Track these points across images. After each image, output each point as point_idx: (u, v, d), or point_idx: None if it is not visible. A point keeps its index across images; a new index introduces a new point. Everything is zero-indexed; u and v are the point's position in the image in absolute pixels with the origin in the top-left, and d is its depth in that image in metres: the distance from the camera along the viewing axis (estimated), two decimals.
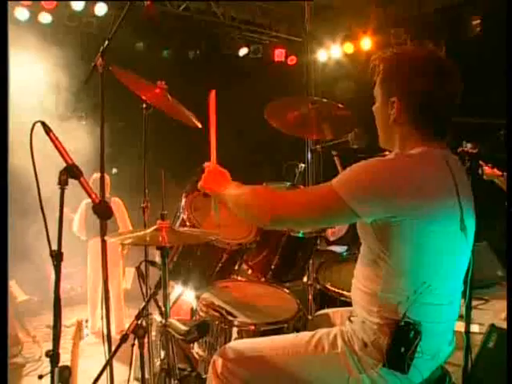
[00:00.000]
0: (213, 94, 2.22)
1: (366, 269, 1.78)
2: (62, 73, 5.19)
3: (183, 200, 2.65)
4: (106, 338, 2.82)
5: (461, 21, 5.82)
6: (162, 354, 2.41)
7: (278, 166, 3.04)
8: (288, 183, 3.02)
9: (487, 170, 2.89)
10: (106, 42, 2.70)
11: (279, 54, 7.24)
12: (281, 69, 7.32)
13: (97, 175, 4.65)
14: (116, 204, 4.98)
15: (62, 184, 1.89)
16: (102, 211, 1.93)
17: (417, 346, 1.68)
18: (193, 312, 2.44)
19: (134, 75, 2.54)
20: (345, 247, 4.95)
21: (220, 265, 2.64)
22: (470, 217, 1.73)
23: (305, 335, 1.92)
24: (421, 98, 1.69)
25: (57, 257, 1.89)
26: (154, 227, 2.10)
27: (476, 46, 5.44)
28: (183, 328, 2.05)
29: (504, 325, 2.94)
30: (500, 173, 3.13)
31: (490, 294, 3.26)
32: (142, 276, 2.54)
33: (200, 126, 2.54)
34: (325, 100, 3.08)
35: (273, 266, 2.88)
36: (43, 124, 1.89)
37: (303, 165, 3.02)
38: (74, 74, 5.17)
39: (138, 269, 2.52)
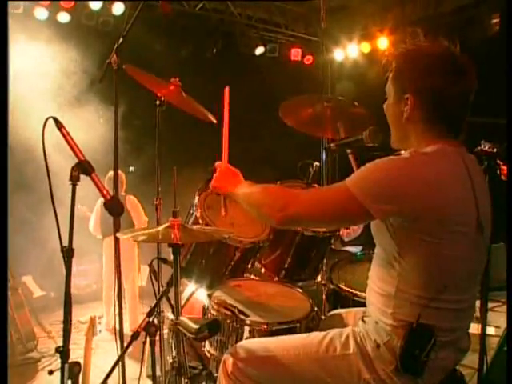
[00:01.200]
0: (227, 90, 2.20)
1: (380, 270, 1.75)
2: (78, 70, 5.22)
3: (196, 198, 2.63)
4: (118, 334, 2.82)
5: (479, 20, 5.73)
6: (174, 352, 2.41)
7: (292, 165, 3.00)
8: (302, 182, 2.98)
9: (505, 170, 2.82)
10: (121, 40, 2.70)
11: (295, 54, 7.21)
12: (297, 68, 7.30)
13: (112, 173, 4.70)
14: (131, 202, 4.99)
15: (74, 180, 1.88)
16: (113, 207, 1.92)
17: (431, 350, 1.65)
18: (205, 310, 2.41)
19: (148, 73, 2.53)
20: (360, 248, 4.90)
21: (232, 263, 2.61)
22: (486, 217, 1.69)
23: (317, 335, 1.89)
24: (435, 95, 1.65)
25: (67, 253, 1.89)
26: (166, 224, 2.09)
27: (494, 44, 5.35)
28: (194, 326, 2.02)
29: None
30: None
31: (500, 297, 3.19)
32: (154, 273, 2.53)
33: (215, 121, 2.52)
34: (340, 98, 3.04)
35: (286, 265, 2.84)
36: (55, 120, 1.88)
37: (317, 163, 2.97)
38: (90, 72, 5.19)
39: (150, 266, 2.51)
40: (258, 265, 2.89)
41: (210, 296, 2.40)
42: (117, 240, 2.72)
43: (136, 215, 4.94)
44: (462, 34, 5.77)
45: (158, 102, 2.60)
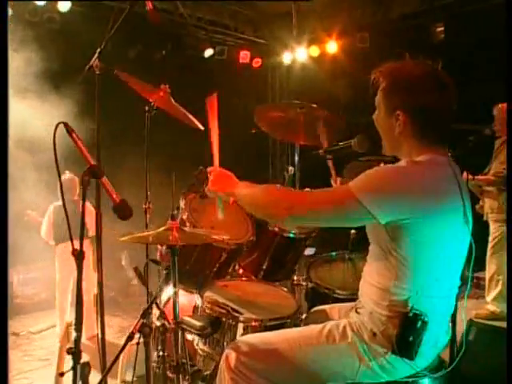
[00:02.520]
0: (214, 97, 2.38)
1: (378, 265, 1.99)
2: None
3: (182, 201, 2.81)
4: (100, 341, 2.92)
5: (424, 27, 6.21)
6: (154, 354, 2.57)
7: (264, 170, 3.24)
8: (278, 186, 3.22)
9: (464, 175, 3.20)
10: (104, 43, 2.82)
11: (244, 56, 7.43)
12: (245, 71, 7.52)
13: (69, 175, 4.74)
14: (88, 208, 5.00)
15: (85, 186, 1.99)
16: (122, 211, 2.04)
17: (423, 335, 1.92)
18: (196, 310, 2.59)
19: (137, 79, 2.69)
20: (313, 249, 5.21)
21: (218, 265, 2.83)
22: (470, 211, 1.99)
23: (314, 327, 2.11)
24: (425, 112, 1.91)
25: (79, 256, 2.00)
26: (165, 227, 2.26)
27: (441, 50, 5.85)
28: (198, 323, 2.22)
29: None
30: (471, 177, 3.44)
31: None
32: (140, 276, 2.68)
33: (202, 127, 2.71)
34: (313, 105, 3.30)
35: (264, 267, 3.09)
36: (65, 125, 2.00)
37: (292, 168, 3.22)
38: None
39: (136, 270, 2.65)
40: (237, 266, 3.11)
41: (201, 296, 2.58)
42: (99, 242, 2.84)
43: (90, 222, 4.98)
44: (410, 39, 6.25)
45: (146, 108, 2.75)
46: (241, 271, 3.12)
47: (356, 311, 2.11)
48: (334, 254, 3.31)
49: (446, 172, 1.93)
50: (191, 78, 6.89)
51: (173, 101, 2.77)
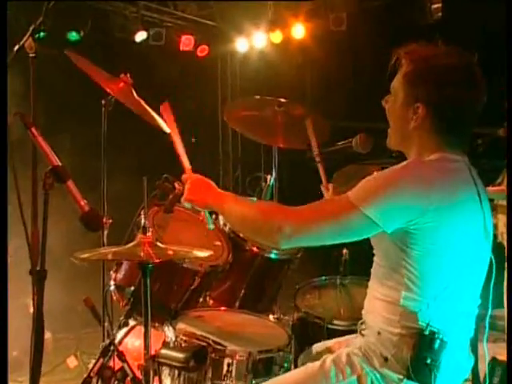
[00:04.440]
0: (165, 106, 2.70)
1: (385, 277, 2.30)
2: None
3: (144, 216, 3.08)
4: None
5: (420, 4, 6.41)
6: None
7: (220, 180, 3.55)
8: (254, 199, 3.54)
9: None
10: (40, 21, 3.00)
11: (186, 42, 7.52)
12: (189, 60, 7.69)
13: None
14: None
15: (47, 188, 2.20)
16: (91, 222, 2.29)
17: (441, 357, 2.18)
18: (166, 345, 2.86)
19: (94, 65, 2.95)
20: None
21: (188, 293, 3.14)
22: (490, 223, 2.32)
23: (313, 366, 2.36)
24: (449, 108, 2.21)
25: (39, 275, 2.23)
26: (135, 242, 2.52)
27: (438, 29, 6.10)
28: (181, 355, 2.51)
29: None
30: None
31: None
32: (93, 309, 2.93)
33: (168, 130, 2.97)
34: (291, 102, 3.64)
35: (240, 295, 3.42)
36: (22, 116, 2.22)
37: (270, 177, 3.55)
38: None
39: (86, 301, 2.90)
40: (206, 298, 3.40)
41: (173, 328, 2.86)
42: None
43: None
44: (399, 20, 6.52)
45: (103, 102, 3.02)
46: (211, 303, 3.42)
47: (360, 333, 2.40)
48: (323, 278, 3.64)
49: (462, 174, 2.24)
50: (118, 69, 7.04)
51: (135, 94, 3.05)
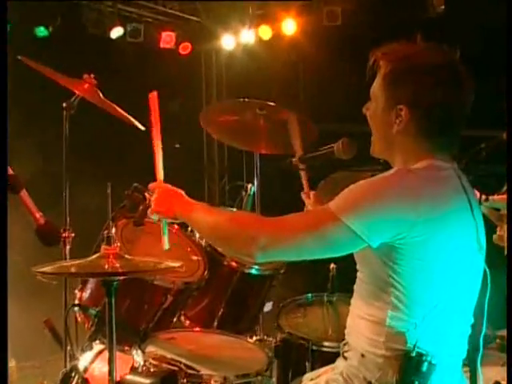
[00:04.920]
0: (154, 95, 2.70)
1: (370, 295, 2.31)
2: None
3: (111, 229, 3.12)
4: None
5: None
6: None
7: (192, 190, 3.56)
8: (234, 209, 3.57)
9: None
10: None
11: (167, 39, 7.47)
12: (170, 59, 7.64)
13: None
14: None
15: None
16: (47, 235, 2.33)
17: (430, 381, 2.19)
18: (134, 370, 2.88)
19: (52, 69, 2.99)
20: (270, 304, 5.55)
21: (160, 312, 3.16)
22: (483, 234, 2.34)
23: None
24: (433, 109, 2.23)
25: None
26: (99, 254, 2.53)
27: (440, 24, 6.11)
28: (147, 381, 2.53)
29: None
30: (485, 197, 3.71)
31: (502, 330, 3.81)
32: (53, 331, 2.95)
33: (142, 127, 2.98)
34: (274, 105, 3.68)
35: (218, 315, 3.46)
36: None
37: (252, 186, 3.58)
38: None
39: (46, 323, 2.92)
40: (181, 318, 3.44)
41: (143, 352, 2.88)
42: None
43: None
44: (399, 14, 6.52)
45: (64, 105, 3.05)
46: (187, 323, 3.45)
47: (343, 356, 2.42)
48: (309, 296, 3.65)
49: (452, 182, 2.25)
50: (91, 68, 7.03)
51: (101, 95, 3.08)
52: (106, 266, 2.46)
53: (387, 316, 2.23)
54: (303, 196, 3.16)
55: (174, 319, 3.31)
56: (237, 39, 7.72)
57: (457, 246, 2.22)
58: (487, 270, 2.32)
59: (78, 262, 2.55)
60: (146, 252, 3.18)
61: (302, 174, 3.17)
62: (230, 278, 3.41)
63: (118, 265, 2.48)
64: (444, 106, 2.22)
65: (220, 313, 3.44)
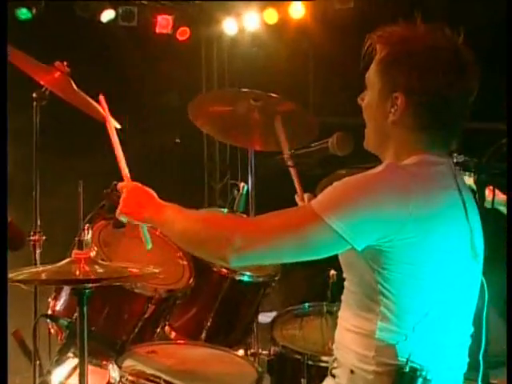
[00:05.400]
0: (101, 98, 2.75)
1: (357, 305, 2.30)
2: None
3: (88, 232, 3.12)
4: None
5: None
6: None
7: (190, 188, 3.57)
8: (224, 210, 3.58)
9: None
10: None
11: (164, 24, 7.54)
12: (166, 45, 7.72)
13: None
14: None
15: None
16: (11, 239, 2.34)
17: None
18: None
19: (22, 53, 2.99)
20: (273, 313, 5.55)
21: (141, 323, 3.17)
22: (479, 240, 2.32)
23: None
24: (432, 97, 2.21)
25: None
26: (69, 259, 2.54)
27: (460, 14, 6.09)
28: None
29: None
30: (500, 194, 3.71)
31: (500, 378, 3.77)
32: (22, 345, 2.96)
33: (118, 125, 3.00)
34: (273, 95, 3.67)
35: (206, 327, 3.45)
36: None
37: (244, 184, 3.57)
38: None
39: (15, 335, 2.93)
40: (166, 328, 3.45)
41: (119, 366, 2.88)
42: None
43: None
44: None
45: (34, 95, 3.07)
46: (173, 335, 3.46)
47: (331, 373, 2.41)
48: (306, 305, 3.64)
49: (444, 178, 2.25)
50: (80, 56, 7.00)
51: (74, 85, 3.08)
52: (78, 273, 2.45)
53: (376, 328, 2.22)
54: (297, 199, 3.16)
55: (158, 330, 3.30)
56: (240, 24, 7.77)
57: (449, 248, 2.21)
58: (484, 281, 2.32)
59: (46, 268, 2.55)
60: (126, 256, 3.23)
61: (293, 173, 3.16)
62: (220, 285, 3.40)
63: (90, 271, 2.47)
64: (443, 93, 2.20)
65: (209, 323, 3.43)
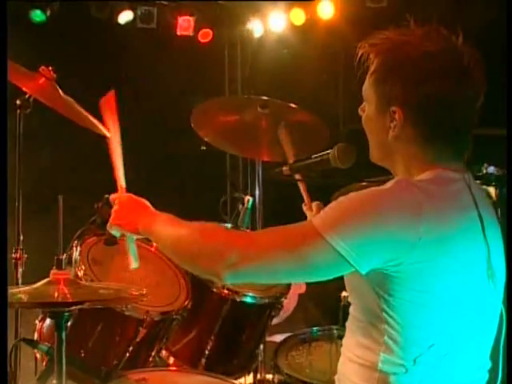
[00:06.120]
0: (111, 95, 2.69)
1: (361, 333, 2.24)
2: None
3: (76, 249, 3.08)
4: None
5: None
6: None
7: (210, 201, 3.53)
8: (228, 225, 3.52)
9: None
10: None
11: (185, 25, 7.50)
12: (188, 48, 7.65)
13: None
14: None
15: None
16: None
17: None
18: None
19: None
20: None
21: (132, 347, 3.12)
22: (499, 261, 2.24)
23: None
24: (433, 107, 2.13)
25: None
26: (47, 279, 2.48)
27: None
28: None
29: None
30: None
31: None
32: None
33: (108, 134, 2.97)
34: (280, 101, 3.62)
35: (207, 352, 3.38)
36: None
37: (250, 198, 3.52)
38: None
39: None
40: (163, 353, 3.39)
41: None
42: None
43: None
44: None
45: (18, 102, 3.05)
46: (171, 360, 3.40)
47: None
48: (315, 330, 3.60)
49: (461, 198, 2.17)
50: (96, 59, 7.04)
51: (60, 91, 3.04)
52: (56, 294, 2.40)
53: (379, 360, 2.15)
54: (304, 208, 3.10)
55: (152, 355, 3.25)
56: (265, 25, 7.68)
57: (463, 274, 2.13)
58: (503, 309, 2.25)
59: (21, 289, 2.53)
60: (118, 276, 3.17)
61: (300, 185, 3.11)
62: (220, 307, 3.33)
63: (68, 293, 2.41)
64: (442, 103, 2.13)
65: (209, 348, 3.36)
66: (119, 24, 7.30)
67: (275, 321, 5.65)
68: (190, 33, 7.63)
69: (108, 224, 2.51)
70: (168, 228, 2.33)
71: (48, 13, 7.05)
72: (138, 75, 7.32)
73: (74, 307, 2.48)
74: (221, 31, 7.88)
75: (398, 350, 2.12)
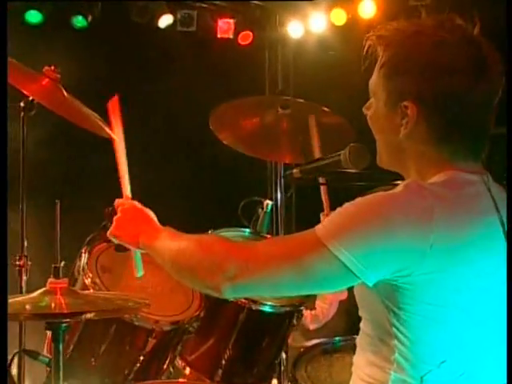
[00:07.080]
0: (115, 100, 2.60)
1: (372, 351, 2.10)
2: None
3: (84, 256, 2.98)
4: None
5: None
6: None
7: (230, 204, 3.40)
8: (247, 230, 3.39)
9: None
10: None
11: (225, 27, 7.51)
12: (228, 51, 7.63)
13: None
14: None
15: None
16: None
17: None
18: None
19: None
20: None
21: (142, 357, 3.00)
22: None
23: None
24: (450, 102, 1.97)
25: None
26: (43, 289, 2.39)
27: None
28: None
29: None
30: None
31: None
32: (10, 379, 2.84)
33: (115, 136, 2.89)
34: (302, 101, 3.49)
35: (224, 362, 3.24)
36: None
37: (270, 202, 3.39)
38: None
39: None
40: (180, 362, 3.27)
41: None
42: None
43: None
44: None
45: (22, 104, 2.95)
46: (187, 370, 3.27)
47: None
48: (337, 340, 3.46)
49: (479, 202, 2.02)
50: (137, 63, 7.06)
51: (65, 92, 2.96)
52: (53, 305, 2.30)
53: (389, 379, 2.02)
54: (322, 218, 2.99)
55: (164, 366, 3.13)
56: (305, 26, 7.61)
57: (480, 285, 1.98)
58: None
59: (18, 299, 2.43)
60: (128, 283, 3.07)
61: (322, 189, 3.00)
62: (236, 316, 3.19)
63: (64, 303, 2.31)
64: (460, 98, 1.97)
65: (226, 358, 3.23)
66: (159, 28, 7.31)
67: (314, 326, 5.57)
68: (230, 35, 7.62)
69: (108, 232, 2.43)
70: (170, 242, 2.24)
71: (89, 18, 7.14)
72: (178, 78, 7.29)
73: (69, 319, 2.38)
74: (261, 33, 7.80)
75: (410, 368, 1.99)
